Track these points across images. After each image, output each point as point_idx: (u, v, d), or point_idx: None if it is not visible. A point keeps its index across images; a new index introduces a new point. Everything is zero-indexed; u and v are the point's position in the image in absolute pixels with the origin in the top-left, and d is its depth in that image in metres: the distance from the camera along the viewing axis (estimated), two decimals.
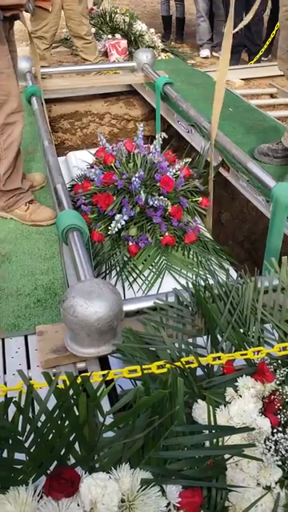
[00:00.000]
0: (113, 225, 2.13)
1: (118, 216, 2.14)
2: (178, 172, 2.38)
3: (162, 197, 2.18)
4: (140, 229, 2.20)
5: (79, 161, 2.80)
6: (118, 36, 5.39)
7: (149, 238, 2.18)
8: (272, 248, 2.13)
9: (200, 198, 2.43)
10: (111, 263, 2.17)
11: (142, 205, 2.20)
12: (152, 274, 2.12)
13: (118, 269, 2.14)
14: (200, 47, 6.44)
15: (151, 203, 2.18)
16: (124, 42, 5.19)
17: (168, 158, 2.48)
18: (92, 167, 2.48)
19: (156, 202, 2.17)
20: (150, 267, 2.15)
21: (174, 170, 2.35)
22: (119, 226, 2.13)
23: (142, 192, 2.20)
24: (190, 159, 2.51)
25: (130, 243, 2.18)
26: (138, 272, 2.12)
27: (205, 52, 6.35)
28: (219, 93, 2.17)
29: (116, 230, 2.14)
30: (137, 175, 2.22)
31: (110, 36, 5.40)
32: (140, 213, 2.22)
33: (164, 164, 2.35)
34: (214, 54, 6.38)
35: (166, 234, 2.19)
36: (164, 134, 2.69)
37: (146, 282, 2.08)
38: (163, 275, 2.11)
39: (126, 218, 2.15)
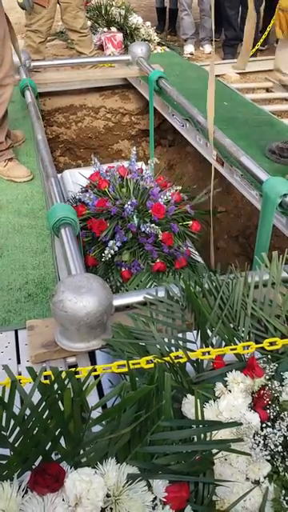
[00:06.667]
0: (106, 251, 2.18)
1: (111, 242, 2.18)
2: (170, 197, 2.40)
3: (153, 224, 2.22)
4: (132, 254, 2.24)
5: (75, 185, 2.82)
6: (113, 29, 5.34)
7: (141, 264, 2.22)
8: (262, 242, 2.13)
9: (190, 222, 2.46)
10: None
11: (135, 231, 2.25)
12: None
13: None
14: (184, 42, 6.34)
15: (143, 229, 2.22)
16: (120, 36, 5.14)
17: (160, 184, 2.52)
18: (86, 190, 2.50)
19: (148, 229, 2.21)
20: None
21: (166, 197, 2.37)
22: (112, 252, 2.18)
23: (134, 217, 2.25)
24: (181, 187, 2.54)
25: (123, 269, 2.22)
26: None
27: (189, 48, 6.21)
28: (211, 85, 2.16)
29: (109, 256, 2.18)
30: (129, 202, 2.26)
31: (105, 29, 5.35)
32: (132, 238, 2.26)
33: (156, 190, 2.39)
34: (201, 48, 6.32)
35: (158, 260, 2.23)
36: (156, 160, 2.79)
37: None
38: None
39: (118, 244, 2.20)
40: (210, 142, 2.40)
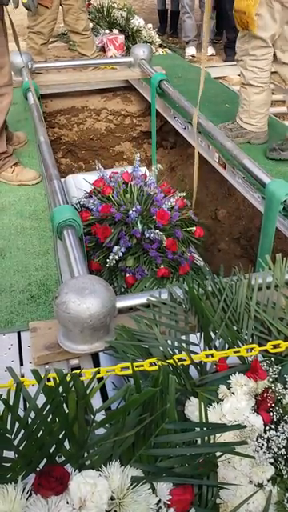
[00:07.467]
0: (111, 257, 2.18)
1: (115, 248, 2.19)
2: (174, 203, 2.41)
3: (157, 230, 2.23)
4: (137, 260, 2.24)
5: (79, 190, 2.82)
6: (115, 31, 5.35)
7: (145, 269, 2.22)
8: (265, 245, 2.13)
9: (194, 228, 2.47)
10: None
11: (139, 237, 2.25)
12: None
13: None
14: (186, 44, 6.32)
15: (147, 235, 2.22)
16: (121, 37, 5.15)
17: (163, 189, 2.52)
18: (90, 196, 2.50)
19: (152, 235, 2.21)
20: None
21: (170, 203, 2.38)
22: (117, 257, 2.18)
23: (138, 223, 2.26)
24: (185, 192, 2.55)
25: (127, 274, 2.22)
26: None
27: (190, 50, 6.18)
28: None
29: (114, 262, 2.19)
30: (134, 209, 2.27)
31: (107, 31, 5.36)
32: (137, 244, 2.26)
33: (159, 196, 2.40)
34: (202, 50, 6.29)
35: (162, 266, 2.24)
36: (160, 166, 2.82)
37: None
38: None
39: (123, 249, 2.20)
40: (194, 125, 2.47)
